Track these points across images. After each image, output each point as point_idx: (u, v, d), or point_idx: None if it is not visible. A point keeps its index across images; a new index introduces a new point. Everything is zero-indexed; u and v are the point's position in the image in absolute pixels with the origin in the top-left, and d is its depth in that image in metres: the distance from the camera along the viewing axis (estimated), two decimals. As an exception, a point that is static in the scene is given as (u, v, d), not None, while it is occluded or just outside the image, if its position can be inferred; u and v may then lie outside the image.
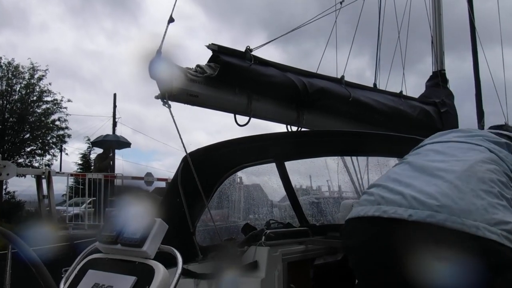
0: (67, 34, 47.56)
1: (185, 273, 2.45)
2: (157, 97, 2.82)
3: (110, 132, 23.99)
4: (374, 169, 4.23)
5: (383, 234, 1.31)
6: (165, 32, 2.80)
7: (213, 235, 3.12)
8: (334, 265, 3.06)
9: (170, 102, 2.83)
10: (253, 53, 3.32)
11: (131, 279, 1.31)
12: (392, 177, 1.46)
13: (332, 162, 4.26)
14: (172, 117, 2.79)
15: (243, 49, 3.30)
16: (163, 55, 2.72)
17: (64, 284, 1.41)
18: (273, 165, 3.41)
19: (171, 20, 2.85)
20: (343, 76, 3.99)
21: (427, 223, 1.23)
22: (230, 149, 2.94)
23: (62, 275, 1.46)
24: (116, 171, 12.14)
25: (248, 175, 3.33)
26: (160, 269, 1.32)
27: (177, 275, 1.31)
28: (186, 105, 3.01)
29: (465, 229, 1.21)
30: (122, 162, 28.56)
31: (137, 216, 1.42)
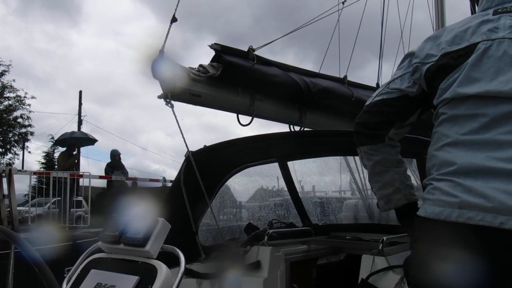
0: (15, 32, 45.52)
1: (188, 273, 2.45)
2: (159, 97, 2.81)
3: (74, 130, 22.31)
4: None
5: (471, 244, 1.13)
6: (168, 32, 2.79)
7: (215, 235, 3.12)
8: (337, 265, 3.05)
9: (172, 102, 2.83)
10: (255, 52, 3.32)
11: (134, 279, 1.30)
12: (464, 167, 1.20)
13: (335, 162, 4.25)
14: (175, 116, 2.79)
15: (245, 49, 3.30)
16: (166, 55, 2.72)
17: (67, 284, 1.41)
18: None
19: (174, 19, 2.85)
20: (345, 76, 3.99)
21: None
22: (232, 149, 2.94)
23: (65, 275, 1.46)
24: (81, 170, 11.47)
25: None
26: (162, 269, 1.32)
27: (179, 275, 1.30)
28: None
29: None
30: (87, 161, 28.10)
31: (140, 216, 1.42)
